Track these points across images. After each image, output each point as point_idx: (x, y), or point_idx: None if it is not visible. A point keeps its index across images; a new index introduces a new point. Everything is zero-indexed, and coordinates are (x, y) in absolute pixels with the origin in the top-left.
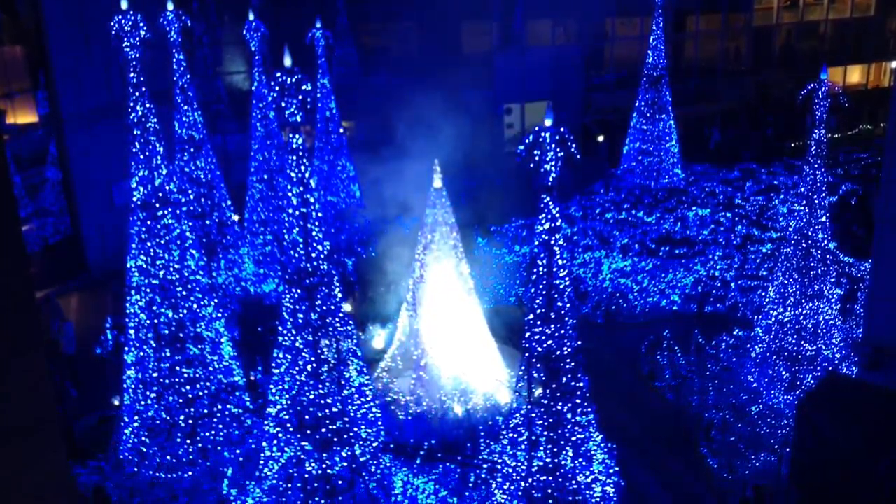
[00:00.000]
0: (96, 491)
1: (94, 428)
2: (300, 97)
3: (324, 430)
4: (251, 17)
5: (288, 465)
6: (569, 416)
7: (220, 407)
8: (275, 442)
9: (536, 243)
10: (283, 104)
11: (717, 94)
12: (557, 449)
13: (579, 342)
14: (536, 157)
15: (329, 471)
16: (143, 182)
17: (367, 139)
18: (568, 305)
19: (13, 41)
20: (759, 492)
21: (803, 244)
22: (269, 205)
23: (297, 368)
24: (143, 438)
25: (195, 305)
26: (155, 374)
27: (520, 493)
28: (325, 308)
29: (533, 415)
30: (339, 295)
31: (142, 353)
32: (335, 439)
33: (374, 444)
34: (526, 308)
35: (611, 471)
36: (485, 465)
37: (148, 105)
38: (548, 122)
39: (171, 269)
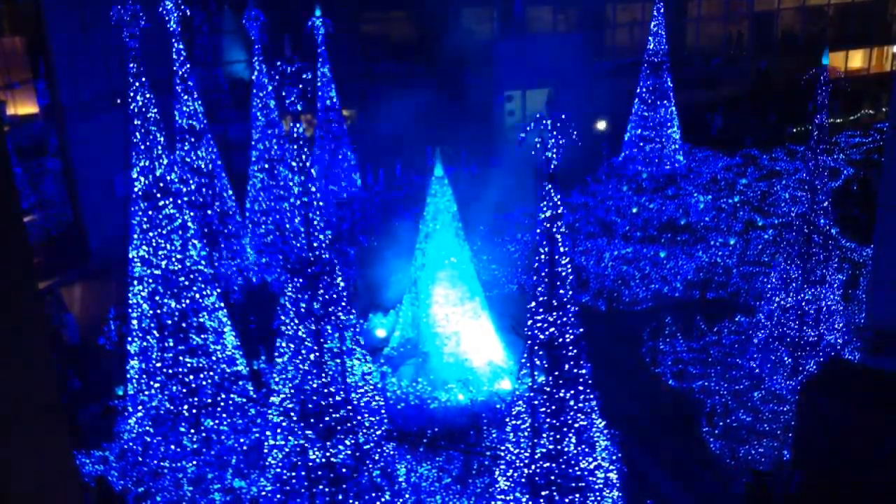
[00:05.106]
0: (100, 480)
1: (98, 418)
2: (300, 86)
3: (327, 418)
4: (251, 5)
5: (292, 453)
6: (571, 402)
7: (223, 396)
8: (279, 431)
9: (538, 231)
10: (284, 93)
11: (719, 80)
12: (560, 436)
13: (581, 329)
14: (537, 145)
15: (333, 459)
16: (144, 172)
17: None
18: (570, 293)
19: (13, 31)
20: (761, 477)
21: (805, 229)
22: (271, 194)
23: (299, 357)
24: (147, 428)
25: (197, 295)
26: (158, 364)
27: (523, 481)
28: (327, 297)
29: (535, 402)
30: (342, 283)
31: (145, 343)
32: (339, 428)
33: (378, 433)
34: (528, 295)
35: (613, 457)
36: (488, 453)
37: (148, 95)
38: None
39: (174, 259)
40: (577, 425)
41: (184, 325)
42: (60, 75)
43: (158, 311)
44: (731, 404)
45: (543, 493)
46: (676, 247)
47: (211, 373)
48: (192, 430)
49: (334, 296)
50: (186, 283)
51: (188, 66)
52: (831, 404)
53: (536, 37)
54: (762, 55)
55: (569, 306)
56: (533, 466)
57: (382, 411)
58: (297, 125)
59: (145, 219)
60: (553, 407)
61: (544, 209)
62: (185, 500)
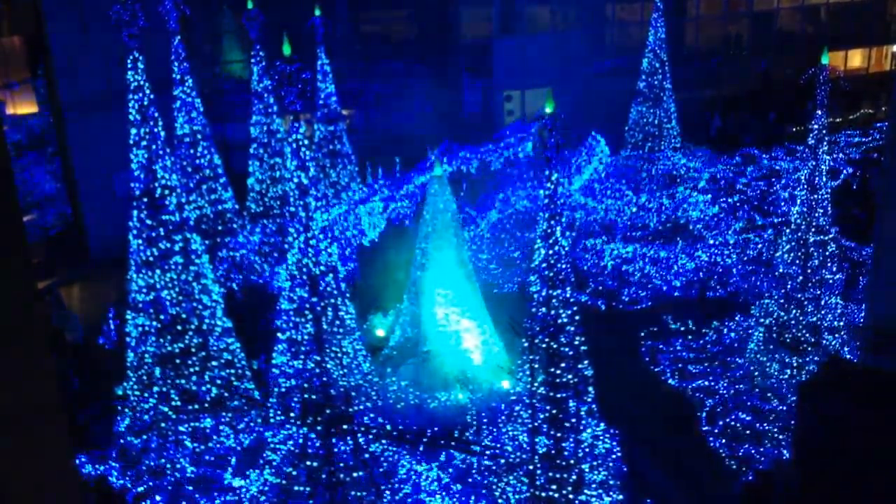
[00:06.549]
0: (99, 480)
1: (98, 417)
2: (300, 86)
3: (327, 417)
4: (250, 4)
5: (291, 453)
6: (570, 402)
7: (223, 395)
8: (280, 430)
9: (538, 229)
10: (283, 93)
11: (718, 79)
12: (559, 435)
13: (581, 328)
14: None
15: (332, 458)
16: (143, 171)
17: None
18: (569, 292)
19: (12, 31)
20: (761, 476)
21: (804, 229)
22: (270, 194)
23: (300, 357)
24: (147, 428)
25: (197, 294)
26: (158, 364)
27: (522, 479)
28: (327, 296)
29: (535, 401)
30: (342, 283)
31: (145, 343)
32: (338, 427)
33: (377, 432)
34: (527, 294)
35: (612, 456)
36: (487, 452)
37: (148, 94)
38: (548, 110)
39: (173, 259)
40: (576, 424)
41: (184, 325)
42: (60, 75)
43: (158, 311)
44: (730, 404)
45: (543, 493)
46: (675, 246)
47: (210, 373)
48: (192, 430)
49: (334, 294)
50: (186, 282)
51: (187, 65)
52: (831, 404)
53: (536, 36)
54: (761, 54)
55: (568, 305)
56: (532, 465)
57: (382, 410)
58: (297, 125)
59: (145, 218)
60: (552, 406)
61: (544, 208)
62: (185, 500)
